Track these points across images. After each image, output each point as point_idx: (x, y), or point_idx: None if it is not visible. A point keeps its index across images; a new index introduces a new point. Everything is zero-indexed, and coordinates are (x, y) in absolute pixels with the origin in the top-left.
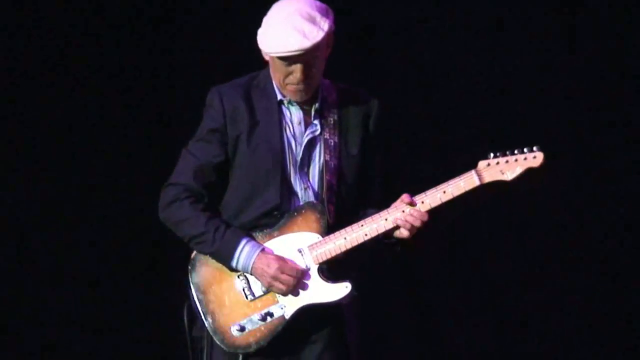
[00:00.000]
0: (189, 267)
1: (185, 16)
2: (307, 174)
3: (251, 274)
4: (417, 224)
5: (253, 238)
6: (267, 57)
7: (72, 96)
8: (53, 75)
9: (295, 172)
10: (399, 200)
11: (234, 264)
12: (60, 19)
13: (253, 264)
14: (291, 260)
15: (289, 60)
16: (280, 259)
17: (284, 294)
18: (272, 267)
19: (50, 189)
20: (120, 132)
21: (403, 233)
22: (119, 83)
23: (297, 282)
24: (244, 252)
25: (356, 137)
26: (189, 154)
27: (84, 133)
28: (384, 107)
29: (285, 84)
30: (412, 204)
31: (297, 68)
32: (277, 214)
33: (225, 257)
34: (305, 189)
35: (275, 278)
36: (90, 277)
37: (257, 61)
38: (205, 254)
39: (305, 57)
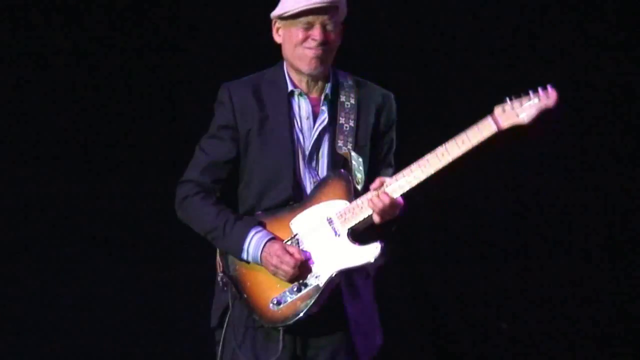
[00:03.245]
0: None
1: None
2: (317, 168)
3: (261, 264)
4: (380, 206)
5: (264, 227)
6: (280, 39)
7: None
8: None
9: (304, 166)
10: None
11: (244, 256)
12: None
13: (261, 254)
14: (296, 249)
15: (309, 19)
16: (283, 249)
17: (289, 281)
18: (273, 259)
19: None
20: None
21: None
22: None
23: (298, 269)
24: (252, 244)
25: (368, 127)
26: (201, 151)
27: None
28: (396, 101)
29: (303, 48)
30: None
31: (317, 28)
32: (292, 204)
33: (235, 251)
34: (314, 182)
35: (276, 268)
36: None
37: (266, 58)
38: (220, 249)
39: (326, 15)
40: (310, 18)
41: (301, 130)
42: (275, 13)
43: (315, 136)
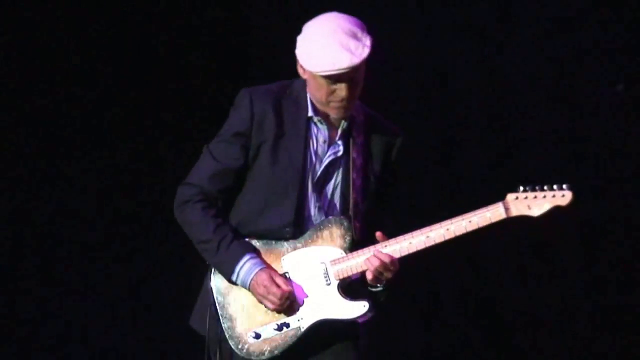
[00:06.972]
0: (212, 269)
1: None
2: (322, 192)
3: (249, 290)
4: (377, 264)
5: (258, 254)
6: (305, 75)
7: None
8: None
9: (312, 190)
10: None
11: (234, 278)
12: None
13: (251, 281)
14: (284, 281)
15: (335, 78)
16: (271, 280)
17: (274, 311)
18: (260, 288)
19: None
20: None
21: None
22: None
23: (284, 303)
24: (244, 268)
25: (378, 162)
26: (210, 155)
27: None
28: (407, 139)
29: (328, 101)
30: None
31: (343, 86)
32: (287, 231)
33: (226, 271)
34: (319, 207)
35: (262, 297)
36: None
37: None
38: (208, 262)
39: (351, 75)
40: (334, 79)
41: (315, 153)
42: (299, 60)
43: (327, 162)
